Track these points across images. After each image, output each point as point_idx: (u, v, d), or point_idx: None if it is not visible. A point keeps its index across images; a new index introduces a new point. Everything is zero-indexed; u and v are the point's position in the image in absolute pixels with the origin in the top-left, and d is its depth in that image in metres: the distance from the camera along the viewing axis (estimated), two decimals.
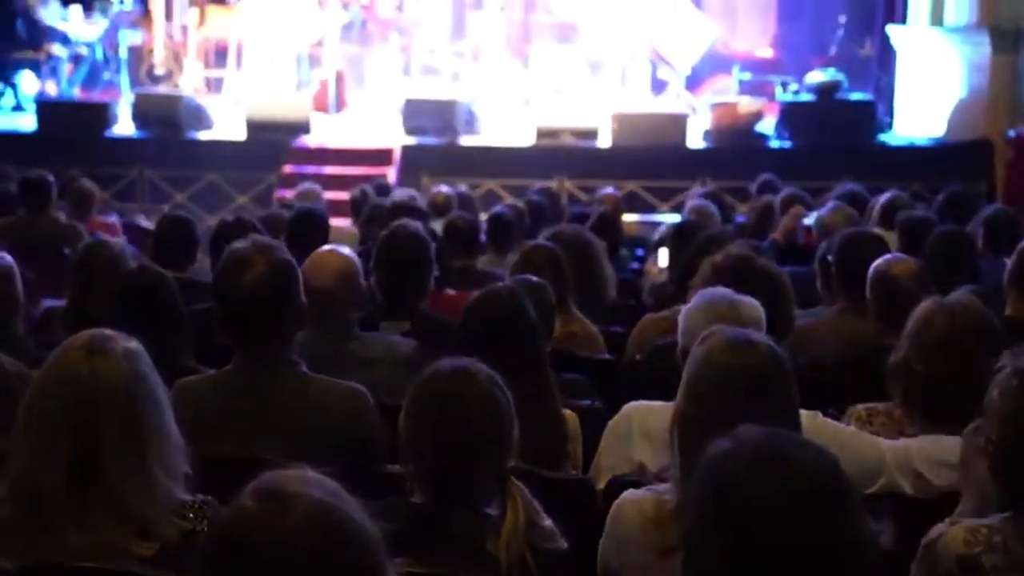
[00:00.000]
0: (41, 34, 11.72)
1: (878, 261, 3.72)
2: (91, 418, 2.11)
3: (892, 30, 11.35)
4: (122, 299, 3.37)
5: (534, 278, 3.63)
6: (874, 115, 10.84)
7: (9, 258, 3.48)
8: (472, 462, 2.26)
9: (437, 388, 2.28)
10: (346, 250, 3.51)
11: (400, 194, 6.85)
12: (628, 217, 8.63)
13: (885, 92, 11.35)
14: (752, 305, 2.74)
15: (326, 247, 3.58)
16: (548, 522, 2.30)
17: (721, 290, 2.78)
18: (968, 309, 2.78)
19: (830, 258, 4.16)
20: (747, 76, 12.24)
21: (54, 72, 11.69)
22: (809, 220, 6.23)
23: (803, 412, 2.34)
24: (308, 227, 4.95)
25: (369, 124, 11.40)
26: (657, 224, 8.75)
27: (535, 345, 3.02)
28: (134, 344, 2.20)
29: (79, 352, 2.15)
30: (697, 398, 2.21)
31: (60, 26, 11.81)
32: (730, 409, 2.07)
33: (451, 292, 4.73)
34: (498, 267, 5.49)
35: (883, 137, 10.99)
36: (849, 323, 3.93)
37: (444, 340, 3.35)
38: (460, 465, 2.25)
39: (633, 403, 2.92)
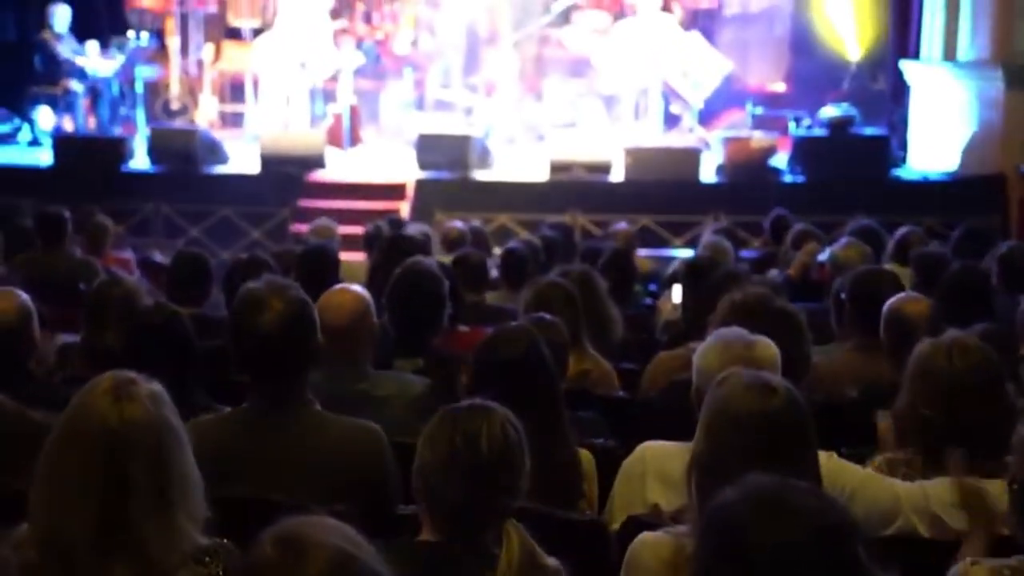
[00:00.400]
0: (58, 69, 11.80)
1: (892, 300, 3.72)
2: (123, 468, 2.09)
3: (905, 65, 11.37)
4: (137, 336, 3.38)
5: (547, 316, 3.64)
6: (887, 150, 10.84)
7: (26, 296, 3.49)
8: (484, 501, 2.26)
9: (452, 426, 2.29)
10: (359, 288, 3.52)
11: (413, 230, 6.86)
12: (641, 252, 8.62)
13: (898, 127, 11.34)
14: (768, 345, 2.74)
15: (340, 286, 3.59)
16: (552, 561, 2.30)
17: (736, 330, 2.78)
18: (968, 350, 2.76)
19: (844, 295, 4.16)
20: (760, 111, 12.27)
21: (71, 107, 11.76)
22: (823, 256, 6.22)
23: (820, 452, 2.33)
24: (320, 263, 4.96)
25: (383, 159, 11.45)
26: (670, 259, 8.76)
27: (549, 384, 3.02)
28: (157, 387, 2.19)
29: (105, 398, 2.13)
30: (715, 443, 2.21)
31: (78, 61, 11.90)
32: (749, 454, 2.07)
33: (464, 329, 4.73)
34: (511, 303, 5.49)
35: (897, 172, 10.98)
36: (863, 361, 3.92)
37: (457, 378, 3.37)
38: (471, 503, 2.25)
39: (647, 443, 2.91)
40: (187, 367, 3.31)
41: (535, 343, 3.02)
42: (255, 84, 11.83)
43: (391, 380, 3.57)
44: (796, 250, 6.73)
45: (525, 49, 13.01)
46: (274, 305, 2.74)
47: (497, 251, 6.92)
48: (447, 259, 6.50)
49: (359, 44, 13.00)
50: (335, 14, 13.02)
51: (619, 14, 13.27)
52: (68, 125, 11.69)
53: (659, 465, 2.80)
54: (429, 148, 10.72)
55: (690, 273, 5.18)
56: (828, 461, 2.58)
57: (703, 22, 13.42)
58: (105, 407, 2.12)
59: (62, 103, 11.75)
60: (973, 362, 2.73)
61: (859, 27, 12.39)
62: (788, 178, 10.71)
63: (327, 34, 11.49)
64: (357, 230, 8.32)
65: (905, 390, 2.79)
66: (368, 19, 13.73)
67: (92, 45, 12.13)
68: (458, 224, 7.65)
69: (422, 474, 2.28)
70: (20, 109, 11.92)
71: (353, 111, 11.30)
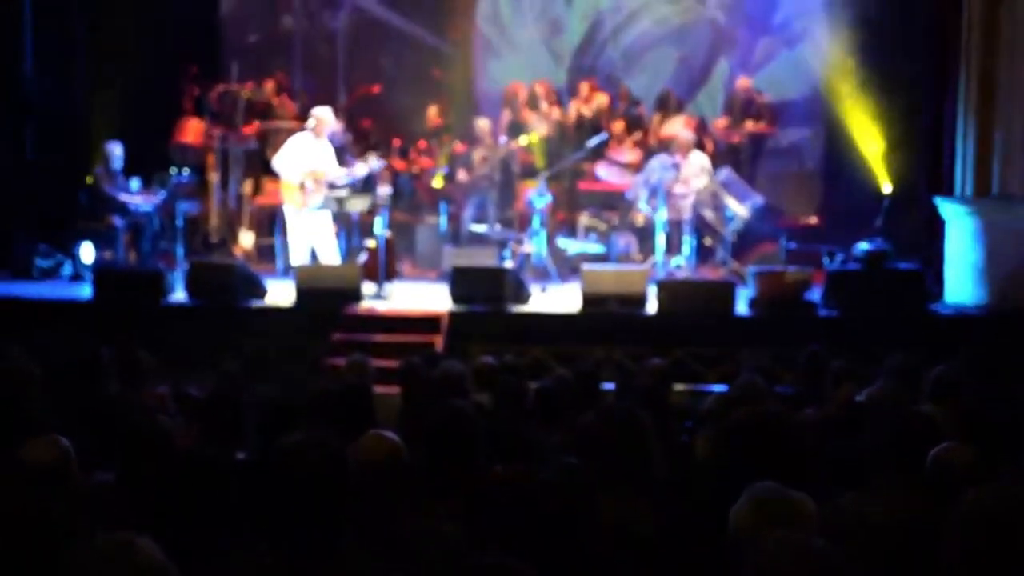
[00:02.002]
0: (102, 205, 12.07)
1: (937, 449, 3.67)
2: None
3: (938, 200, 11.43)
4: (170, 484, 3.38)
5: (576, 462, 3.62)
6: (922, 284, 10.82)
7: (65, 442, 3.52)
8: None
9: None
10: (392, 436, 3.53)
11: (447, 366, 6.88)
12: (676, 386, 8.58)
13: (933, 261, 11.35)
14: (804, 501, 2.71)
15: (374, 432, 3.59)
16: None
17: (771, 485, 2.75)
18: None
19: (880, 438, 4.11)
20: (793, 245, 12.32)
21: (112, 241, 11.99)
22: (860, 396, 6.16)
23: None
24: (353, 406, 4.97)
25: (418, 292, 11.55)
26: (705, 393, 8.71)
27: (581, 541, 2.98)
28: (148, 551, 2.16)
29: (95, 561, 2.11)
30: None
31: (122, 197, 12.16)
32: None
33: (499, 468, 4.70)
34: (546, 440, 5.46)
35: (932, 306, 10.94)
36: (901, 505, 3.86)
37: (492, 522, 3.34)
38: None
39: None
40: (219, 518, 3.29)
41: (571, 499, 2.99)
42: (284, 217, 12.01)
43: (425, 526, 3.54)
44: (833, 388, 6.68)
45: (559, 183, 13.20)
46: (310, 461, 2.75)
47: (532, 385, 6.91)
48: (481, 395, 6.52)
49: (396, 178, 13.23)
50: (373, 148, 13.30)
51: (652, 149, 13.48)
52: (109, 259, 11.90)
53: None
54: (464, 281, 10.80)
55: (723, 412, 5.14)
56: None
57: (735, 156, 13.59)
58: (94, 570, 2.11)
59: (104, 238, 11.98)
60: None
61: (890, 161, 12.50)
62: (823, 312, 10.69)
63: (332, 157, 11.68)
64: (392, 363, 8.34)
65: None
66: (404, 154, 14.01)
67: (135, 181, 12.43)
68: (490, 360, 7.66)
69: None
70: (63, 245, 12.14)
71: (389, 244, 11.42)
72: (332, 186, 11.69)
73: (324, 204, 11.51)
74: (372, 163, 11.71)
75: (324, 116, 11.57)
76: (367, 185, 12.43)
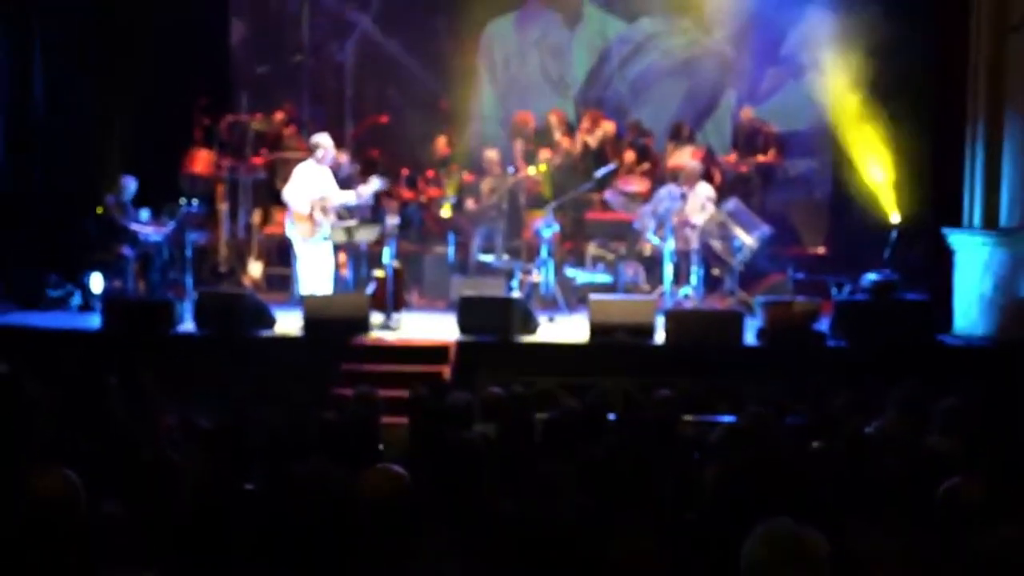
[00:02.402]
0: (112, 235, 12.11)
1: (947, 484, 3.66)
2: None
3: (947, 231, 11.43)
4: (178, 515, 3.39)
5: (589, 504, 3.61)
6: (931, 315, 10.81)
7: (74, 476, 3.52)
8: None
9: None
10: (398, 469, 3.53)
11: (454, 398, 6.88)
12: (684, 416, 8.56)
13: (941, 292, 11.33)
14: (817, 540, 2.68)
15: (380, 466, 3.59)
16: None
17: (783, 523, 2.73)
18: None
19: (889, 472, 4.11)
20: (801, 275, 12.31)
21: (122, 271, 12.02)
22: (869, 429, 6.15)
23: None
24: (360, 436, 4.98)
25: (426, 322, 11.55)
26: (714, 423, 8.69)
27: None
28: None
29: None
30: None
31: (132, 226, 12.20)
32: None
33: (506, 501, 4.70)
34: (554, 472, 5.45)
35: (940, 337, 10.93)
36: (912, 541, 3.84)
37: (500, 560, 3.33)
38: None
39: None
40: (228, 546, 3.30)
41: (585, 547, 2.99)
42: (299, 248, 12.02)
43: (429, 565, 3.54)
44: (841, 420, 6.66)
45: (567, 213, 13.22)
46: (315, 494, 2.76)
47: (540, 416, 6.91)
48: (489, 426, 6.51)
49: (403, 208, 13.26)
50: (380, 177, 13.35)
51: (659, 179, 13.51)
52: (118, 289, 11.93)
53: None
54: (471, 311, 10.81)
55: (731, 444, 5.13)
56: None
57: (742, 186, 13.61)
58: None
59: (114, 268, 12.02)
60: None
61: (898, 192, 12.51)
62: (831, 343, 10.67)
63: (333, 182, 11.68)
64: (400, 393, 8.34)
65: None
66: (412, 183, 14.05)
67: (145, 211, 12.47)
68: (497, 390, 7.65)
69: None
70: (73, 274, 12.18)
71: (397, 274, 11.44)
72: (341, 214, 11.72)
73: (332, 233, 11.52)
74: (375, 183, 11.70)
75: (324, 142, 11.60)
76: (375, 215, 12.46)
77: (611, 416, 7.57)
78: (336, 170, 12.06)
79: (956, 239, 11.33)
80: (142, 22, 13.14)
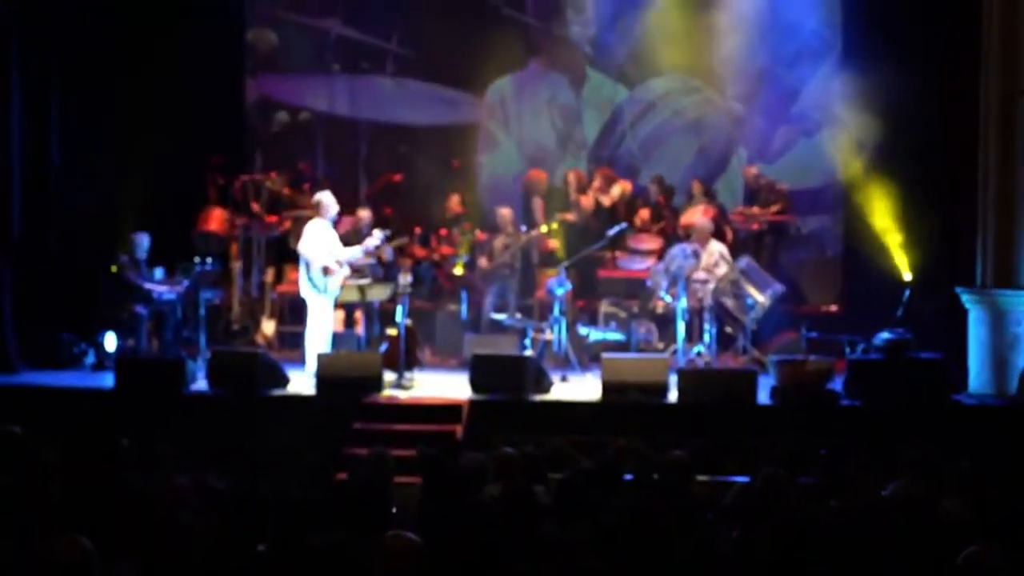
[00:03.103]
0: (126, 293, 12.16)
1: (967, 551, 3.63)
2: None
3: (960, 291, 11.42)
4: None
5: (602, 567, 3.60)
6: (945, 374, 10.77)
7: (88, 542, 3.52)
8: None
9: None
10: (412, 537, 3.52)
11: (468, 459, 6.86)
12: (698, 477, 8.52)
13: (955, 351, 11.30)
14: None
15: (393, 533, 3.59)
16: None
17: None
18: None
19: (907, 537, 4.08)
20: (814, 334, 12.29)
21: (135, 330, 12.06)
22: (885, 491, 6.11)
23: None
24: (373, 500, 4.96)
25: (438, 380, 11.54)
26: (727, 483, 8.64)
27: None
28: None
29: None
30: None
31: (145, 285, 12.25)
32: None
33: (519, 564, 4.67)
34: (567, 534, 5.42)
35: (955, 397, 10.88)
36: None
37: None
38: None
39: None
40: None
41: None
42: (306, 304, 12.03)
43: None
44: (856, 479, 6.62)
45: (579, 270, 13.25)
46: (334, 562, 2.75)
47: (553, 476, 6.88)
48: (501, 487, 6.48)
49: (416, 266, 13.30)
50: (393, 236, 13.41)
51: (672, 237, 13.54)
52: (132, 347, 11.96)
53: None
54: (484, 370, 10.81)
55: (744, 507, 5.10)
56: None
57: (755, 244, 13.63)
58: None
59: (127, 326, 12.05)
60: None
61: (910, 250, 12.52)
62: (845, 402, 10.63)
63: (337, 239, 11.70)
64: (413, 453, 8.31)
65: None
66: (425, 241, 14.11)
67: (159, 270, 12.53)
68: (511, 450, 7.62)
69: None
70: (87, 333, 12.21)
71: (410, 333, 11.44)
72: (360, 271, 11.76)
73: (344, 291, 11.54)
74: (377, 235, 11.70)
75: (325, 199, 11.62)
76: (388, 273, 12.50)
77: (624, 476, 7.55)
78: (359, 227, 12.11)
79: (970, 298, 11.32)
80: (158, 81, 13.27)
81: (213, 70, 14.07)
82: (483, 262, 13.31)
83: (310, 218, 11.74)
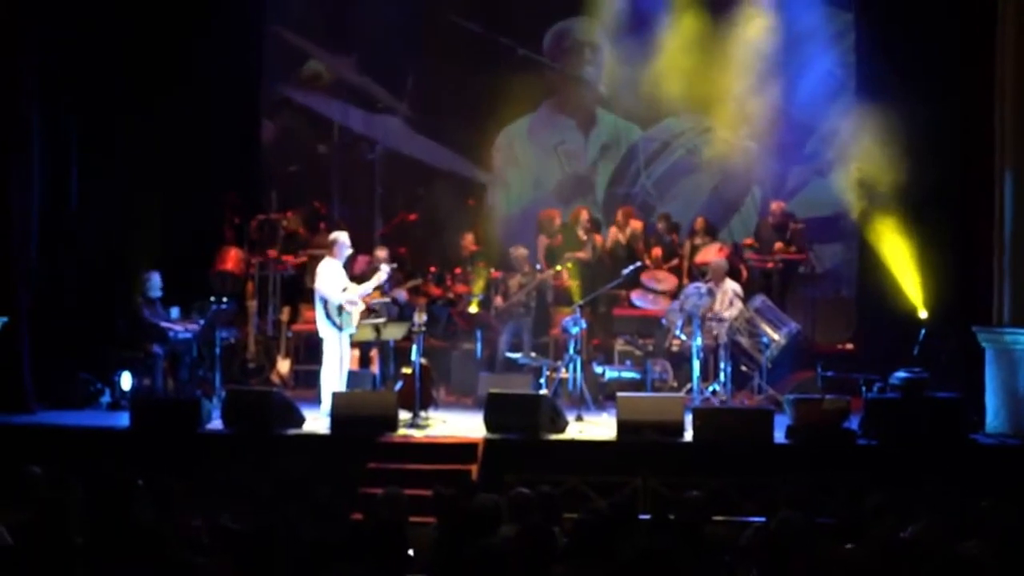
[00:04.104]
0: (141, 333, 12.19)
1: None
2: None
3: (977, 329, 11.37)
4: None
5: None
6: (962, 413, 10.70)
7: None
8: None
9: None
10: None
11: (482, 500, 6.84)
12: (714, 517, 8.47)
13: (973, 390, 11.24)
14: None
15: None
16: None
17: None
18: None
19: None
20: (830, 372, 12.25)
21: (151, 370, 12.08)
22: (904, 533, 6.06)
23: None
24: (388, 542, 4.95)
25: (453, 419, 11.52)
26: (744, 524, 8.59)
27: None
28: None
29: None
30: None
31: (161, 324, 12.28)
32: None
33: None
34: (582, 575, 5.40)
35: (973, 436, 10.81)
36: None
37: None
38: None
39: None
40: None
41: None
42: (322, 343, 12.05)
43: None
44: (873, 520, 6.57)
45: (594, 309, 13.25)
46: None
47: (568, 516, 6.85)
48: (516, 528, 6.45)
49: (431, 304, 13.32)
50: (408, 275, 13.45)
51: (687, 275, 13.55)
52: (148, 387, 11.97)
53: None
54: (499, 409, 10.78)
55: (762, 548, 5.07)
56: None
57: (769, 282, 13.63)
58: None
59: (143, 365, 12.08)
60: None
61: (926, 288, 12.48)
62: (861, 441, 10.56)
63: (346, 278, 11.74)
64: (427, 492, 8.29)
65: None
66: (440, 280, 14.13)
67: (174, 310, 12.57)
68: (526, 490, 7.60)
69: None
70: (102, 373, 12.24)
71: (425, 372, 11.44)
72: (370, 309, 11.78)
73: (360, 330, 11.55)
74: (384, 270, 11.76)
75: (340, 238, 11.70)
76: (403, 313, 12.52)
77: (640, 516, 7.51)
78: (376, 265, 12.17)
79: (986, 336, 11.27)
80: (175, 120, 13.35)
81: (229, 110, 14.17)
82: (498, 301, 13.32)
83: (320, 257, 11.79)
